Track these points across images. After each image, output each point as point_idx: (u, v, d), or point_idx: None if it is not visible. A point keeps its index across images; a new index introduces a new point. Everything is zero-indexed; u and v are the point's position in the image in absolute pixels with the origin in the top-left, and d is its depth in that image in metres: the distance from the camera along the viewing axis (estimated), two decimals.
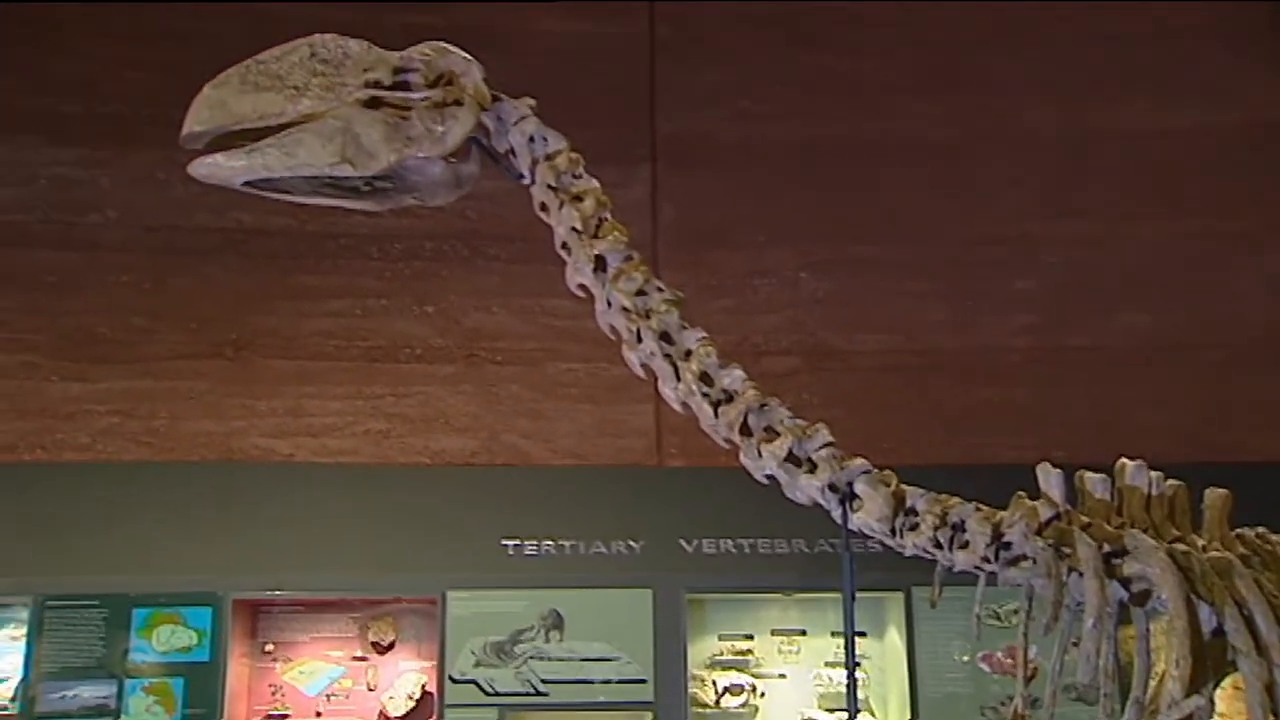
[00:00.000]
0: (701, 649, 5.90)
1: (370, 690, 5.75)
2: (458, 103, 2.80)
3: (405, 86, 2.81)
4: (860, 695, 5.76)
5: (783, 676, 5.91)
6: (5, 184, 6.15)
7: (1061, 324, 6.41)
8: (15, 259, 6.08)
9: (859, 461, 2.71)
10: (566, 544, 5.74)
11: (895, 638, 5.77)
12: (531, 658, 5.56)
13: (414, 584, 5.67)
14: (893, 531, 2.69)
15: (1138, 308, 6.42)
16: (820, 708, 5.83)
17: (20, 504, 5.57)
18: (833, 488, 2.69)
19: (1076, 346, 6.39)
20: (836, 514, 2.71)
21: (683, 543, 5.77)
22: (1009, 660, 5.57)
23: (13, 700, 5.42)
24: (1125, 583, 2.59)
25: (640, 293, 2.80)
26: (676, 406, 2.80)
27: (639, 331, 2.78)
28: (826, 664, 5.90)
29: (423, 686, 5.71)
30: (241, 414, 6.01)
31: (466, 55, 2.88)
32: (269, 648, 5.78)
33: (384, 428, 6.09)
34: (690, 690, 5.64)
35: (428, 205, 2.98)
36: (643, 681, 5.55)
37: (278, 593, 5.66)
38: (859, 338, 6.38)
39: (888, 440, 5.59)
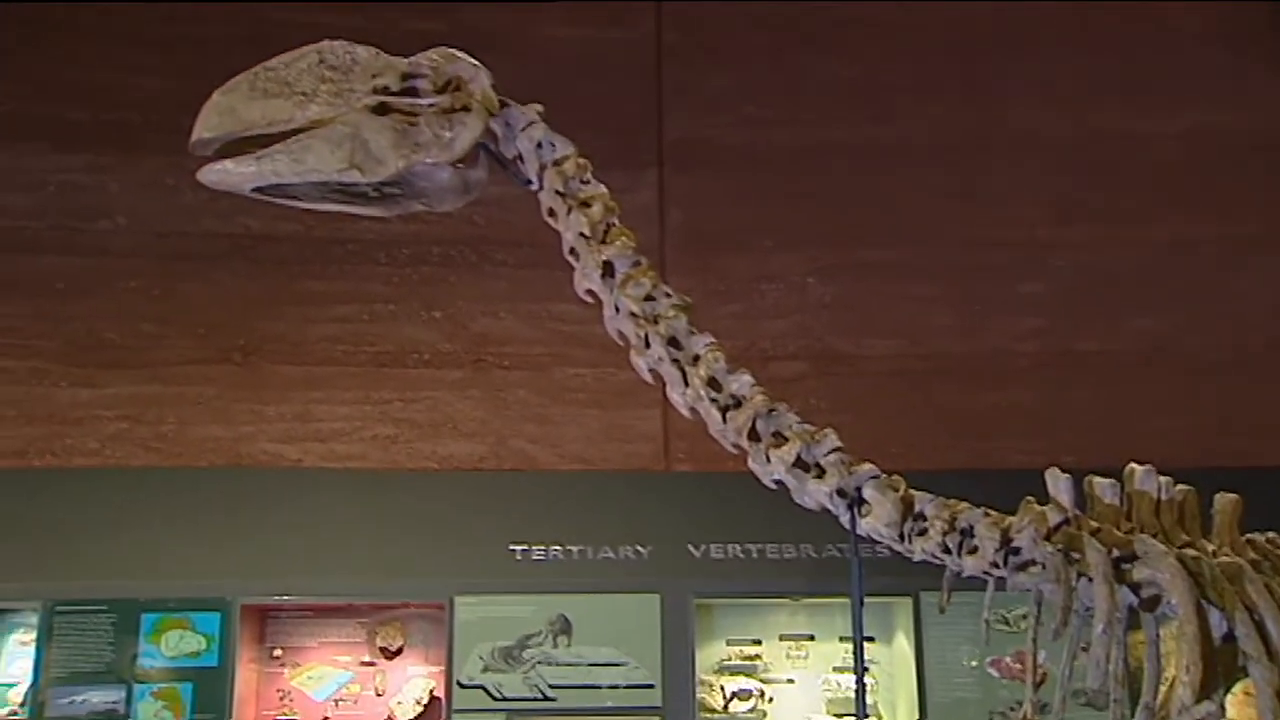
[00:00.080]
0: (709, 654, 5.89)
1: (378, 695, 5.75)
2: (466, 109, 2.81)
3: (413, 92, 2.81)
4: (869, 700, 5.75)
5: (791, 682, 5.91)
6: (14, 190, 6.18)
7: (1069, 328, 6.40)
8: (24, 265, 6.10)
9: (867, 467, 2.71)
10: (574, 549, 5.74)
11: (903, 643, 5.76)
12: (539, 663, 5.56)
13: (422, 589, 5.67)
14: (901, 537, 2.68)
15: (1145, 312, 6.40)
16: (828, 713, 5.82)
17: (29, 509, 5.59)
18: (841, 493, 2.68)
19: (1084, 350, 6.38)
20: (845, 519, 2.71)
21: (690, 548, 5.77)
22: (1018, 665, 5.55)
23: (22, 705, 5.44)
24: (1135, 588, 2.58)
25: (648, 298, 2.80)
26: (685, 412, 2.80)
27: (647, 337, 2.78)
28: (835, 669, 5.89)
29: (431, 692, 5.70)
30: (250, 419, 6.02)
31: (474, 61, 2.88)
32: (277, 653, 5.79)
33: (392, 433, 6.10)
34: (698, 695, 5.64)
35: (436, 211, 2.99)
36: (651, 687, 5.54)
37: (286, 598, 5.67)
38: (866, 342, 6.38)
39: (895, 445, 5.58)
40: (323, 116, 2.77)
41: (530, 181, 2.93)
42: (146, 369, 6.03)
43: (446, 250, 6.32)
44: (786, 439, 2.71)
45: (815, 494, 2.70)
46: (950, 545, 2.65)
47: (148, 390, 6.00)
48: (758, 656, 5.93)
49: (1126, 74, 6.70)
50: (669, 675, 5.55)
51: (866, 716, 3.01)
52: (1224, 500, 2.84)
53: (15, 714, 5.48)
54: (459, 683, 5.52)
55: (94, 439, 5.93)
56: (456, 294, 6.30)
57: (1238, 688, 2.59)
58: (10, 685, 5.61)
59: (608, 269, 2.83)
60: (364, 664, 5.82)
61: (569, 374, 6.21)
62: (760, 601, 5.92)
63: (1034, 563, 2.61)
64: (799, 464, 2.70)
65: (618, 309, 2.82)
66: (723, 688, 5.81)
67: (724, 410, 2.73)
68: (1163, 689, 2.57)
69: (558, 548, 5.74)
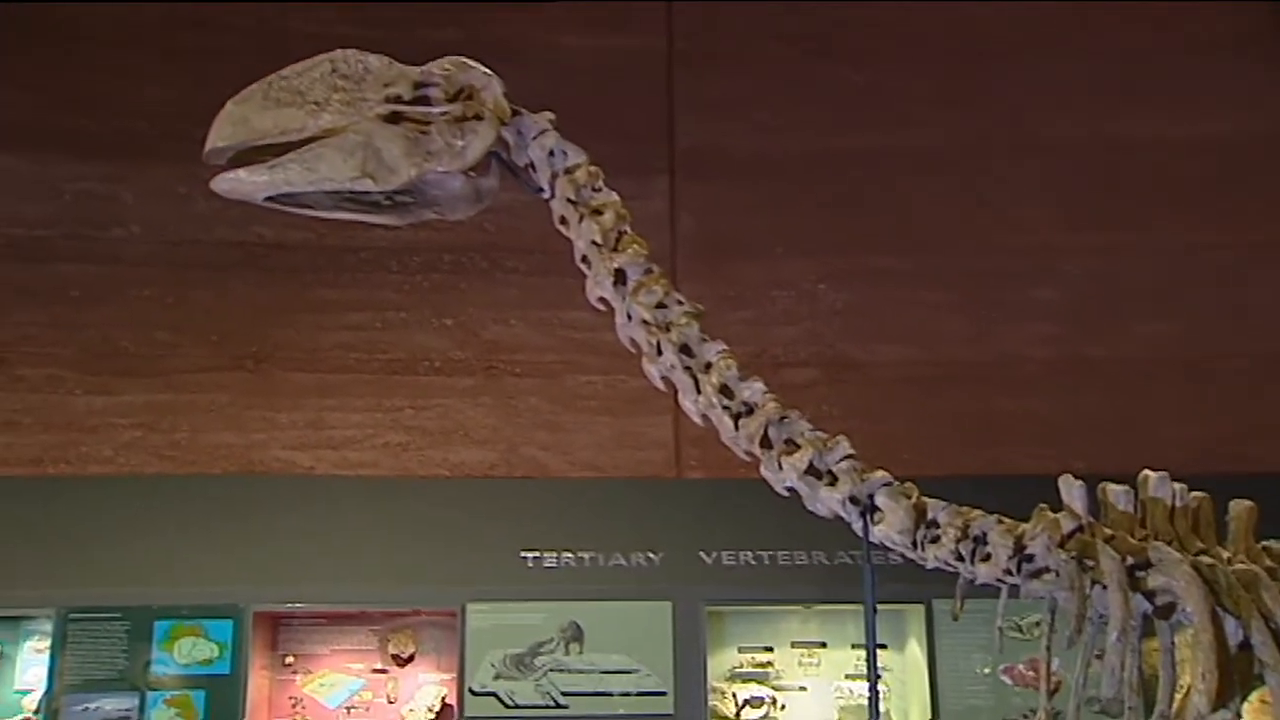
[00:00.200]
0: (721, 661, 5.88)
1: (390, 703, 5.76)
2: (478, 117, 2.82)
3: (425, 101, 2.82)
4: (881, 708, 5.73)
5: (803, 689, 5.90)
6: (30, 200, 6.22)
7: (1081, 334, 6.38)
8: (40, 273, 6.13)
9: (880, 474, 2.71)
10: (586, 556, 5.74)
11: (916, 650, 5.74)
12: (551, 670, 5.56)
13: (434, 596, 5.67)
14: (914, 544, 2.68)
15: (1158, 318, 6.38)
16: None
17: (44, 517, 5.62)
18: (854, 500, 2.68)
19: (1096, 357, 6.36)
20: (857, 527, 2.70)
21: (702, 555, 5.76)
22: (1031, 673, 5.53)
23: (36, 712, 5.46)
24: (1149, 595, 2.57)
25: (660, 306, 2.80)
26: (697, 419, 2.80)
27: (659, 344, 2.79)
28: (847, 676, 5.88)
29: (442, 699, 5.71)
30: (262, 427, 6.04)
31: (486, 70, 2.89)
32: (289, 660, 5.80)
33: (403, 440, 6.11)
34: (710, 703, 5.62)
35: (448, 219, 3.00)
36: (662, 694, 5.54)
37: (298, 605, 5.68)
38: (878, 349, 6.37)
39: (907, 451, 5.58)
40: (335, 125, 2.79)
41: (542, 190, 2.94)
42: (160, 377, 6.05)
43: (458, 258, 6.34)
44: (799, 446, 2.71)
45: (828, 501, 2.70)
46: (963, 552, 2.64)
47: (161, 398, 6.03)
48: (770, 664, 5.92)
49: (1138, 80, 6.69)
50: (681, 682, 5.54)
51: None
52: (1239, 507, 2.83)
53: None
54: (471, 690, 5.52)
55: (108, 447, 5.95)
56: (468, 301, 6.31)
57: (1254, 696, 2.58)
58: (25, 692, 5.64)
59: (620, 277, 2.84)
60: (376, 671, 5.82)
61: (580, 381, 6.22)
62: (772, 608, 5.91)
63: (1048, 570, 2.61)
64: (811, 471, 2.70)
65: (630, 316, 2.83)
66: (735, 695, 5.80)
67: (736, 417, 2.73)
68: (1178, 697, 2.56)
69: (569, 555, 5.74)
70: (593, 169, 2.91)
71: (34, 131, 6.28)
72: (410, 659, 5.83)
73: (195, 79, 5.96)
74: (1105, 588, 2.54)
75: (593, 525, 5.79)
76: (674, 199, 6.49)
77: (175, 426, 6.01)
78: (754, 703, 5.79)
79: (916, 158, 6.56)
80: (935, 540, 2.66)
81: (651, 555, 5.75)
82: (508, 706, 5.51)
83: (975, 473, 5.83)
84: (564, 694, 5.54)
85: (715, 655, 5.80)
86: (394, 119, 2.80)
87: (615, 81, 6.58)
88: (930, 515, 2.68)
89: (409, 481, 5.97)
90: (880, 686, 5.27)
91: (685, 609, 5.63)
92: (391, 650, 5.82)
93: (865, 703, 5.65)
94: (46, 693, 5.39)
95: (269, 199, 2.86)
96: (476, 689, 5.52)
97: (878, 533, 2.68)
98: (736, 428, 2.73)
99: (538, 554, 5.73)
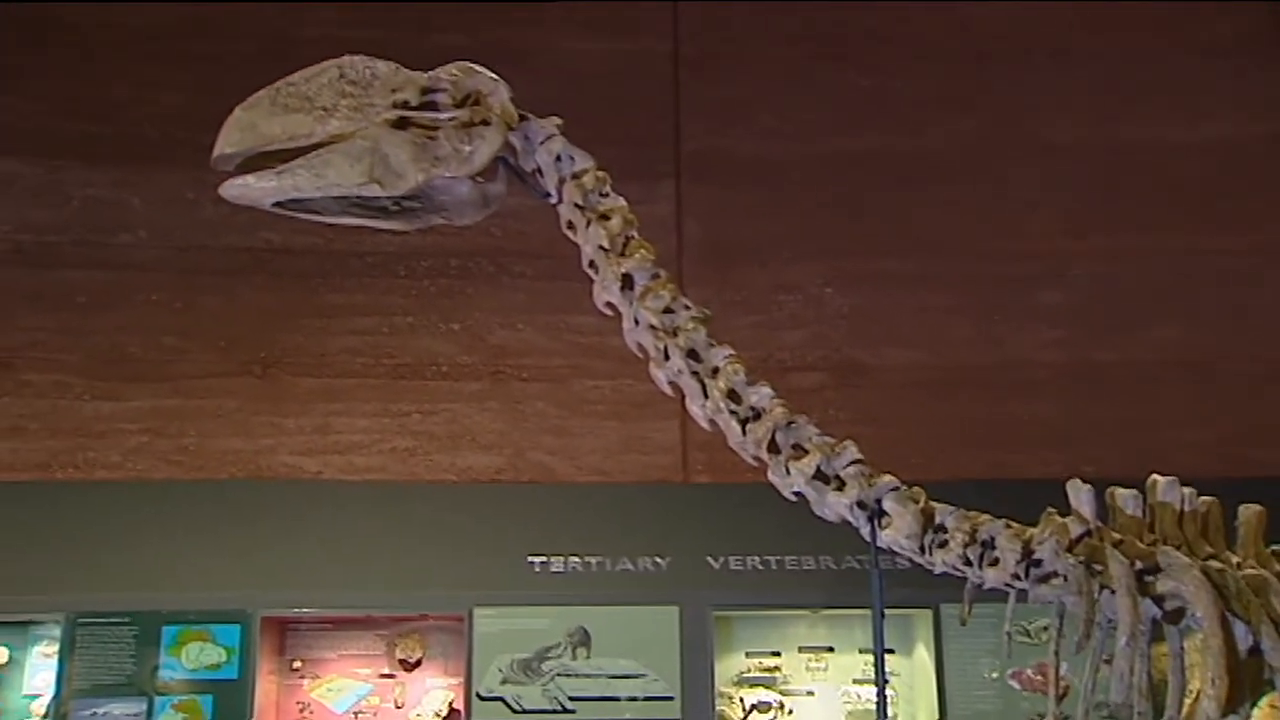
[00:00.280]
0: (728, 666, 5.88)
1: (398, 708, 5.75)
2: (485, 122, 2.82)
3: (433, 107, 2.83)
4: (889, 713, 5.72)
5: (810, 694, 5.88)
6: (39, 206, 6.23)
7: (1089, 338, 6.37)
8: (47, 279, 6.15)
9: (887, 479, 2.70)
10: (593, 561, 5.74)
11: (924, 655, 5.73)
12: (558, 675, 5.56)
13: (441, 601, 5.67)
14: (922, 549, 2.67)
15: (1166, 322, 6.37)
16: None
17: (52, 522, 5.62)
18: (861, 505, 2.68)
19: (1104, 361, 6.35)
20: (865, 531, 2.70)
21: (709, 559, 5.76)
22: (1039, 678, 5.51)
23: (45, 717, 5.47)
24: (1158, 600, 2.56)
25: (667, 310, 2.81)
26: (704, 424, 2.80)
27: (666, 349, 2.79)
28: (854, 681, 5.86)
29: (450, 704, 5.70)
30: (270, 432, 6.05)
31: (493, 75, 2.90)
32: (297, 665, 5.80)
33: (411, 445, 6.12)
34: (717, 707, 5.62)
35: (455, 224, 3.00)
36: (670, 699, 5.53)
37: (306, 610, 5.68)
38: (885, 353, 6.36)
39: (915, 456, 5.56)
40: (343, 131, 2.79)
41: (549, 194, 2.95)
42: (168, 382, 6.07)
43: (465, 263, 6.35)
44: (806, 451, 2.71)
45: (835, 506, 2.70)
46: (971, 557, 2.64)
47: (169, 403, 6.04)
48: (777, 668, 5.91)
49: (1143, 84, 6.68)
50: (688, 687, 5.54)
51: None
52: (1248, 512, 2.82)
53: None
54: (478, 694, 5.52)
55: (116, 452, 5.96)
56: (475, 306, 6.32)
57: (1264, 701, 2.57)
58: (33, 697, 5.64)
59: (627, 281, 2.84)
60: (383, 676, 5.82)
61: (587, 386, 6.22)
62: (779, 613, 5.90)
63: (1056, 575, 2.60)
64: (819, 476, 2.70)
65: (637, 321, 2.83)
66: (742, 700, 5.79)
67: (744, 422, 2.73)
68: (1187, 702, 2.55)
69: (576, 559, 5.74)
70: (600, 174, 2.91)
71: (42, 137, 6.30)
72: (418, 664, 5.83)
73: (203, 85, 5.97)
74: (1114, 592, 2.54)
75: (600, 530, 5.79)
76: (680, 203, 6.50)
77: (183, 432, 6.02)
78: (761, 707, 5.78)
79: (922, 161, 6.56)
80: (943, 545, 2.66)
81: (659, 560, 5.75)
82: (515, 711, 5.50)
83: (983, 477, 5.83)
84: (571, 699, 5.54)
85: (722, 660, 5.80)
86: (401, 124, 2.81)
87: (620, 85, 6.58)
88: (938, 520, 2.68)
89: (416, 486, 5.98)
90: (888, 691, 5.26)
91: (692, 614, 5.63)
92: (399, 655, 5.82)
93: (873, 707, 5.66)
94: (55, 698, 5.39)
95: (277, 204, 2.87)
96: (484, 694, 5.52)
97: (885, 537, 2.68)
98: (744, 433, 2.73)
99: (545, 559, 5.73)
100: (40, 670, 5.67)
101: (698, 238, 6.44)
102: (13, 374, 6.00)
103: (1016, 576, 2.63)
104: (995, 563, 2.63)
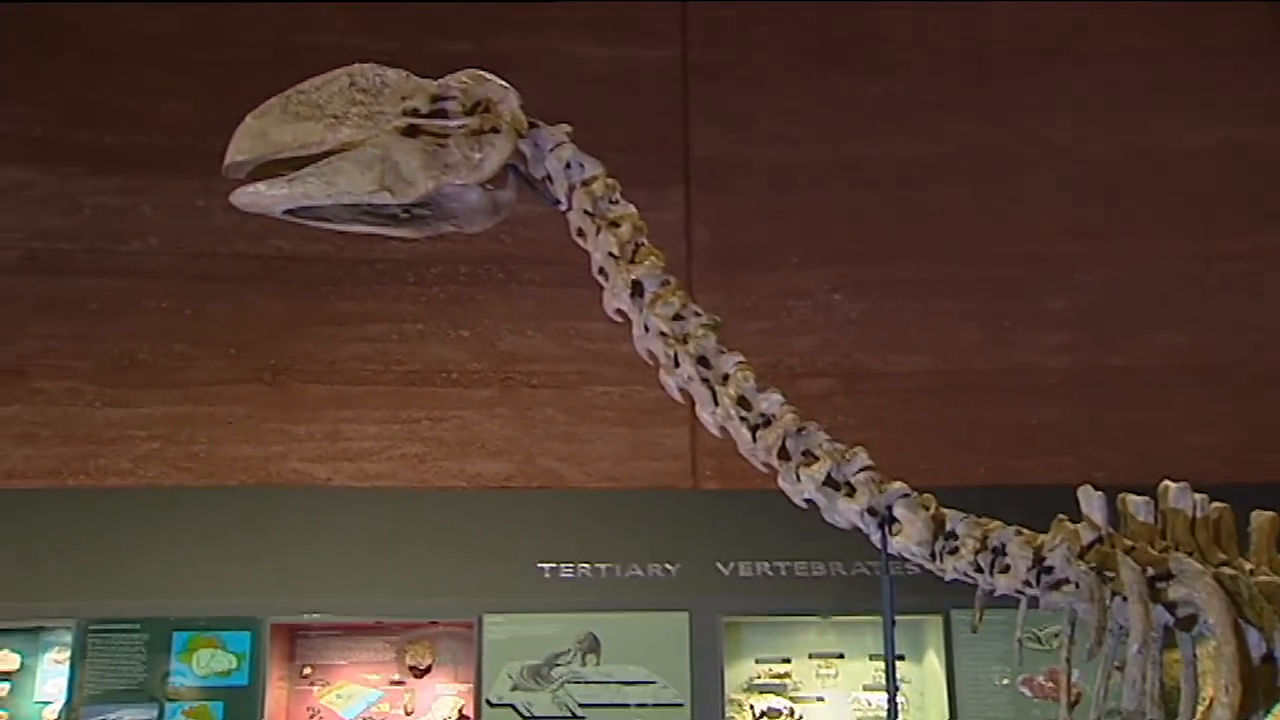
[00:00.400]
0: (738, 672, 5.87)
1: (407, 714, 5.76)
2: (495, 130, 2.82)
3: (443, 114, 2.83)
4: None
5: (820, 700, 5.87)
6: (50, 213, 6.26)
7: (1098, 343, 6.36)
8: (59, 287, 6.17)
9: (898, 485, 2.70)
10: (602, 567, 5.73)
11: (934, 661, 5.72)
12: (568, 681, 5.56)
13: (451, 608, 5.68)
14: (932, 555, 2.67)
15: (1175, 326, 6.35)
16: None
17: (63, 529, 5.64)
18: (872, 511, 2.68)
19: (1114, 366, 6.34)
20: (876, 538, 2.70)
21: (719, 566, 5.75)
22: (1050, 684, 5.50)
23: None
24: (1170, 607, 2.55)
25: (678, 317, 2.80)
26: (714, 431, 2.80)
27: (676, 356, 2.78)
28: (865, 687, 5.85)
29: (460, 710, 5.71)
30: (280, 439, 6.06)
31: (504, 83, 2.90)
32: (307, 671, 5.81)
33: (420, 451, 6.12)
34: (728, 714, 5.61)
35: (465, 232, 3.00)
36: (680, 705, 5.52)
37: (315, 616, 5.69)
38: (894, 359, 6.36)
39: (924, 461, 5.56)
40: (353, 139, 2.79)
41: (559, 202, 2.95)
42: (178, 389, 6.08)
43: (474, 269, 6.36)
44: (817, 458, 2.70)
45: (846, 513, 2.69)
46: (982, 564, 2.63)
47: (179, 410, 6.06)
48: (787, 675, 5.90)
49: (1154, 88, 6.67)
50: (698, 694, 5.53)
51: None
52: (1261, 518, 2.81)
53: None
54: (488, 701, 5.52)
55: (126, 459, 5.98)
56: (484, 313, 6.33)
57: (1277, 709, 2.56)
58: (45, 704, 5.66)
59: (637, 288, 2.84)
60: (393, 683, 5.83)
61: (596, 392, 6.22)
62: (789, 620, 5.89)
63: (1067, 581, 2.59)
64: (829, 483, 2.69)
65: (647, 328, 2.83)
66: (752, 706, 5.78)
67: (754, 429, 2.73)
68: (1200, 709, 2.54)
69: (586, 566, 5.74)
70: (610, 181, 2.91)
71: (53, 145, 6.33)
72: (427, 670, 5.84)
73: (214, 93, 6.01)
74: (1126, 599, 2.53)
75: (609, 536, 5.79)
76: (689, 209, 6.50)
77: (193, 439, 6.04)
78: (771, 714, 5.78)
79: (931, 167, 6.56)
80: (954, 551, 2.65)
81: (668, 566, 5.75)
82: (525, 718, 5.50)
83: (992, 483, 5.83)
84: (581, 705, 5.53)
85: (732, 666, 5.79)
86: (412, 132, 2.80)
87: (630, 92, 6.59)
88: (949, 526, 2.67)
89: (426, 493, 5.98)
90: (899, 698, 5.25)
91: (702, 620, 5.62)
92: (409, 661, 5.82)
93: (883, 714, 5.64)
94: (66, 704, 5.41)
95: (287, 212, 2.87)
96: (494, 700, 5.52)
97: (896, 544, 2.67)
98: (754, 439, 2.73)
99: (554, 565, 5.73)
100: (51, 677, 5.69)
101: (707, 244, 6.44)
102: (25, 381, 6.03)
103: (1028, 583, 2.62)
104: (1006, 569, 2.62)
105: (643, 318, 2.83)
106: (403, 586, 5.63)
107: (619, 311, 2.89)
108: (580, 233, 2.92)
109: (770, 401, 2.74)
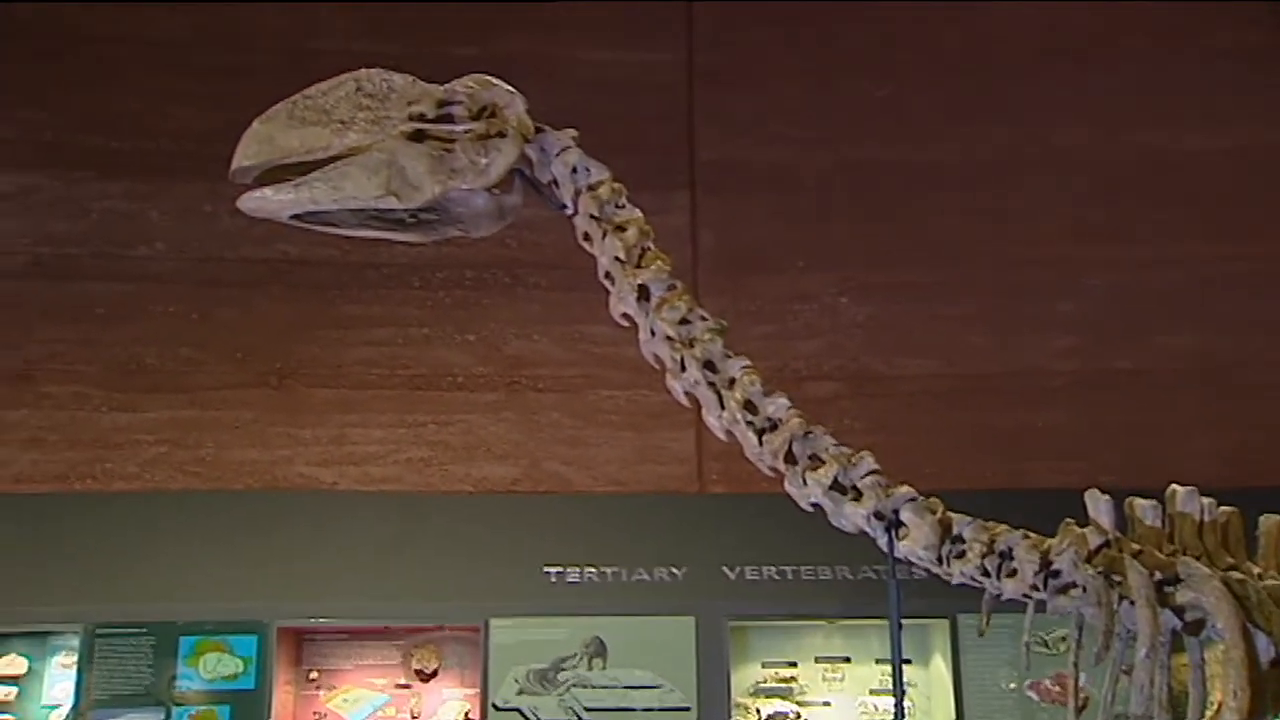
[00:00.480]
0: (745, 676, 5.86)
1: (414, 718, 5.76)
2: (501, 135, 2.82)
3: (449, 119, 2.83)
4: None
5: (827, 704, 5.87)
6: (57, 218, 6.28)
7: (1105, 347, 6.35)
8: (66, 291, 6.19)
9: (904, 489, 2.70)
10: (609, 571, 5.73)
11: (941, 665, 5.71)
12: (574, 685, 5.55)
13: (457, 612, 5.68)
14: (939, 559, 2.67)
15: (1182, 330, 6.34)
16: None
17: (70, 533, 5.66)
18: (878, 515, 2.68)
19: (1121, 369, 6.33)
20: (882, 542, 2.70)
21: (725, 570, 5.75)
22: (1057, 689, 5.48)
23: None
24: (1178, 611, 2.55)
25: (684, 321, 2.80)
26: (721, 435, 2.80)
27: (683, 360, 2.79)
28: (871, 691, 5.85)
29: (466, 714, 5.71)
30: (286, 443, 6.07)
31: (510, 88, 2.90)
32: (313, 675, 5.81)
33: (426, 456, 6.13)
34: (734, 718, 5.60)
35: (471, 236, 3.01)
36: (686, 709, 5.52)
37: (322, 620, 5.69)
38: (900, 362, 6.35)
39: (930, 465, 5.55)
40: (360, 144, 2.80)
41: (565, 206, 2.95)
42: (185, 393, 6.10)
43: (480, 274, 6.36)
44: (823, 462, 2.70)
45: (852, 517, 2.69)
46: (989, 568, 2.63)
47: (186, 414, 6.07)
48: (793, 679, 5.89)
49: (1161, 92, 6.66)
50: (704, 698, 5.53)
51: None
52: (1269, 522, 2.80)
53: None
54: (494, 705, 5.52)
55: (133, 463, 5.99)
56: (490, 317, 6.33)
57: None
58: (52, 708, 5.67)
59: (643, 293, 2.84)
60: (399, 686, 5.83)
61: (602, 396, 6.22)
62: (796, 623, 5.88)
63: (1075, 585, 2.59)
64: (836, 487, 2.69)
65: (653, 332, 2.83)
66: (758, 710, 5.78)
67: (760, 433, 2.73)
68: (1208, 714, 2.53)
69: (592, 570, 5.74)
70: (616, 185, 2.91)
71: (60, 150, 6.35)
72: (434, 674, 5.84)
73: (220, 98, 6.01)
74: (1133, 603, 2.52)
75: (615, 540, 5.79)
76: (695, 213, 6.50)
77: (200, 443, 6.05)
78: (778, 718, 5.77)
79: (938, 171, 6.56)
80: (961, 555, 2.65)
81: (674, 570, 5.74)
82: None
83: (999, 487, 5.81)
84: (587, 709, 5.53)
85: (739, 670, 5.78)
86: (418, 137, 2.81)
87: (635, 96, 6.60)
88: (956, 530, 2.67)
89: (432, 497, 5.99)
90: (905, 702, 5.24)
91: (708, 624, 5.62)
92: (415, 665, 5.82)
93: (890, 718, 5.63)
94: (73, 708, 5.42)
95: (294, 217, 2.87)
96: (500, 704, 5.52)
97: (903, 548, 2.67)
98: (760, 443, 2.73)
99: (560, 569, 5.73)
100: (59, 681, 5.71)
101: (712, 248, 6.44)
102: (31, 386, 6.04)
103: (1035, 587, 2.62)
104: (1013, 573, 2.62)
105: (649, 322, 2.83)
106: (409, 590, 5.63)
107: (625, 316, 2.89)
108: (586, 237, 2.92)
109: (776, 405, 2.74)
